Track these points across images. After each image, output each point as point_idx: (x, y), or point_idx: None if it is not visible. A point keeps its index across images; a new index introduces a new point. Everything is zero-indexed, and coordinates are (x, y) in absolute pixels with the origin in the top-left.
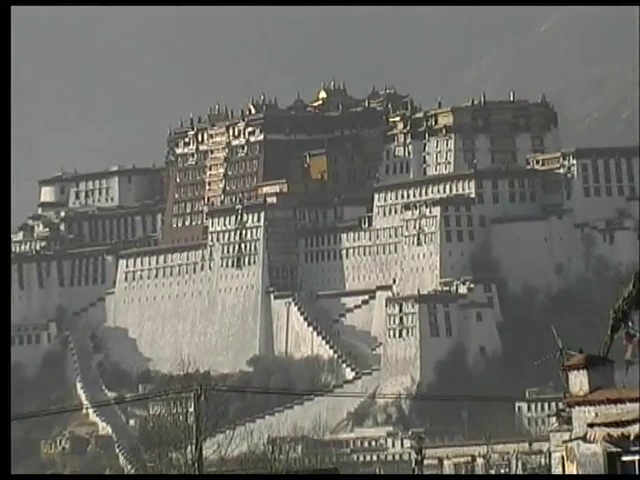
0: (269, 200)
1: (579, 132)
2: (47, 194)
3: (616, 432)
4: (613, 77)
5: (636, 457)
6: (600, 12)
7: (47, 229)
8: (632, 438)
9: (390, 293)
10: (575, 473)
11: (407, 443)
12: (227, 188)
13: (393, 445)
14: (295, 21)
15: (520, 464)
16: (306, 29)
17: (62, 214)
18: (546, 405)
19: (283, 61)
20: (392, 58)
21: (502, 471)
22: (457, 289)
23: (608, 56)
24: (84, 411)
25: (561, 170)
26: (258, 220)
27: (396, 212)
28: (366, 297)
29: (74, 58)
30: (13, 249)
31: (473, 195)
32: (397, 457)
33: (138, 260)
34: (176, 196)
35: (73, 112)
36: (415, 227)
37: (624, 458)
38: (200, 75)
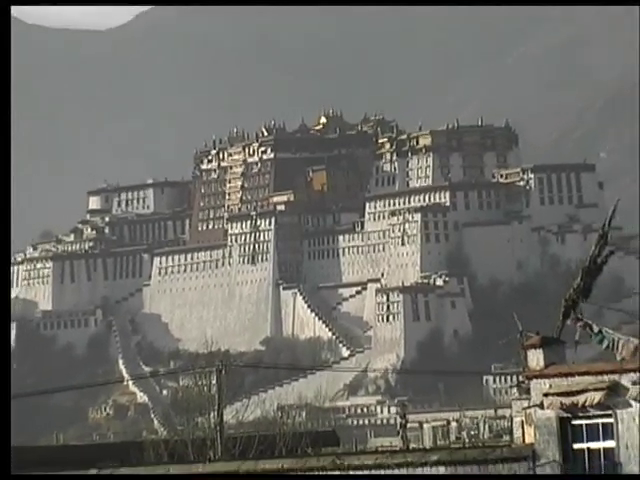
0: (279, 208)
1: (536, 151)
2: (94, 202)
3: (567, 400)
4: (567, 104)
5: (583, 421)
6: (555, 50)
7: (94, 232)
8: (580, 406)
9: (379, 285)
10: (532, 434)
11: (393, 409)
12: (244, 198)
13: (382, 411)
14: (301, 56)
15: (487, 427)
16: (311, 68)
17: (107, 219)
18: (509, 378)
19: (291, 93)
20: (382, 88)
21: (472, 432)
22: (435, 282)
23: (563, 85)
24: (125, 383)
25: (521, 183)
26: (269, 224)
27: (384, 218)
28: (359, 288)
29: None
30: (65, 249)
31: (448, 204)
32: (385, 421)
33: (170, 257)
34: (201, 204)
35: (124, 132)
36: (400, 230)
37: (573, 422)
38: (223, 104)
